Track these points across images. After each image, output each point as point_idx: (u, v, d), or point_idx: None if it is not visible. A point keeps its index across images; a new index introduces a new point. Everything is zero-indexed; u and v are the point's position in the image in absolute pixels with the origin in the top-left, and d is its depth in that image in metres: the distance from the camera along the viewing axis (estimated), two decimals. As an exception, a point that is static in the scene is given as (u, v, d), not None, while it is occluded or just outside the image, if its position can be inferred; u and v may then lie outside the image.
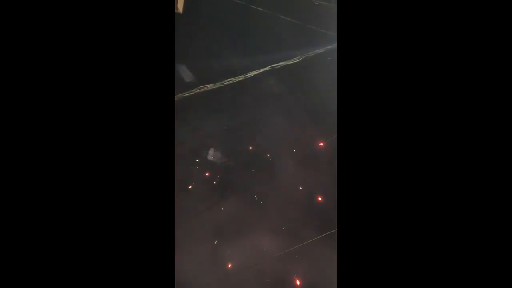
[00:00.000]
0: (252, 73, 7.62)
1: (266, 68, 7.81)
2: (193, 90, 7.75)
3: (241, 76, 7.71)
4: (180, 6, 5.80)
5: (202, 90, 7.76)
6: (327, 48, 8.07)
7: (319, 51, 8.19)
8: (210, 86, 7.97)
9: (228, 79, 7.68)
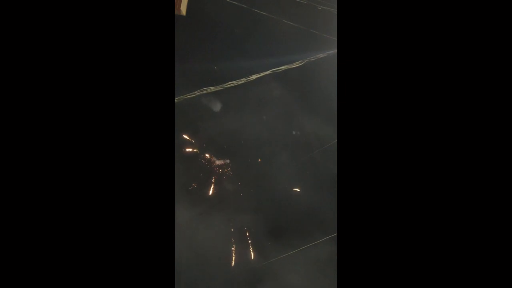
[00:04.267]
0: (254, 76, 7.64)
1: (268, 72, 7.84)
2: (195, 92, 7.79)
3: (242, 79, 7.74)
4: (183, 8, 5.83)
5: (204, 92, 7.80)
6: (329, 52, 8.10)
7: (321, 55, 8.21)
8: (212, 89, 8.01)
9: (230, 82, 7.71)
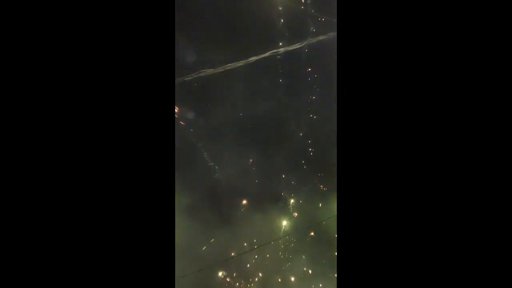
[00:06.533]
0: (253, 58, 7.58)
1: (267, 54, 7.78)
2: (193, 74, 7.72)
3: (241, 61, 7.68)
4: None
5: (202, 74, 7.72)
6: (330, 34, 8.03)
7: (322, 37, 8.16)
8: (211, 71, 7.94)
9: (229, 64, 7.65)
